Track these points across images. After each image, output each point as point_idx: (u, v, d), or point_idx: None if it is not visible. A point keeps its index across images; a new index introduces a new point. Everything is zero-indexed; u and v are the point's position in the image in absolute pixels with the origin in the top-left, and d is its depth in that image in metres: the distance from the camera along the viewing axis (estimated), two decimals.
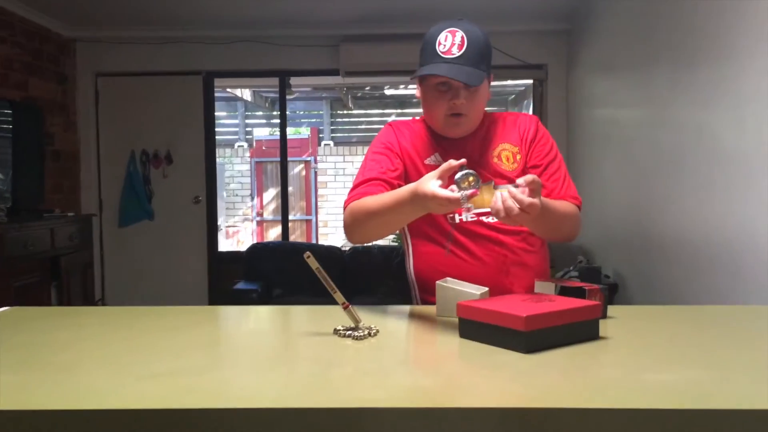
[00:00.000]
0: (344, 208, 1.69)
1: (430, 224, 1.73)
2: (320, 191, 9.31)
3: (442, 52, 1.65)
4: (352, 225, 1.65)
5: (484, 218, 1.68)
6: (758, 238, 2.49)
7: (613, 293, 3.90)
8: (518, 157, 1.74)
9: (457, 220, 1.71)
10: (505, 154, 1.74)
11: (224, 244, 8.83)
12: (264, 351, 1.25)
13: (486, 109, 1.80)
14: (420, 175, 1.58)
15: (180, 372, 1.09)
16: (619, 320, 1.46)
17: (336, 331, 1.34)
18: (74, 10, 4.79)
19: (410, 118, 1.92)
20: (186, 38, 5.24)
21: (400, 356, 1.19)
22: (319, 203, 9.30)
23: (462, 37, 1.64)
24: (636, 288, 3.77)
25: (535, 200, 1.36)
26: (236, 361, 1.17)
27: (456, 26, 1.67)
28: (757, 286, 2.52)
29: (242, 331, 1.51)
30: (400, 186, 1.62)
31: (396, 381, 1.04)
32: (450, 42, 1.65)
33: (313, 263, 1.32)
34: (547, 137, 1.77)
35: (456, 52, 1.64)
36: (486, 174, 1.67)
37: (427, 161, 1.74)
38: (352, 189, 1.71)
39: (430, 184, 1.39)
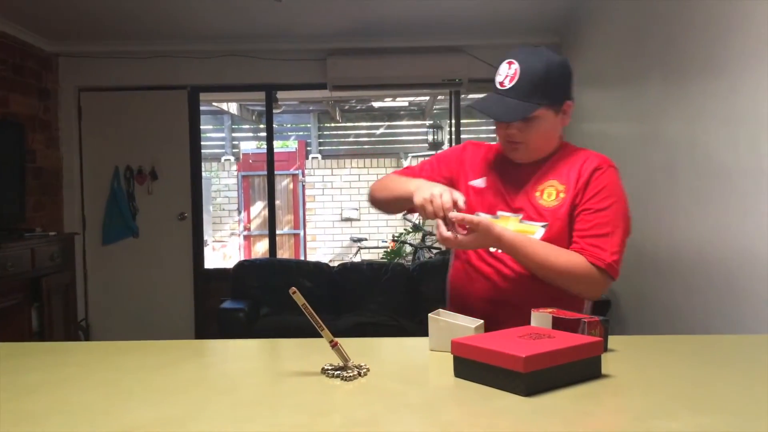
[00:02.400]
0: None
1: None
2: (308, 205, 9.23)
3: (498, 83, 1.69)
4: (373, 189, 1.93)
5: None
6: (753, 253, 2.45)
7: (606, 310, 3.85)
8: (561, 195, 1.67)
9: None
10: (549, 190, 1.70)
11: (211, 259, 8.73)
12: (247, 395, 1.17)
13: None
14: (462, 189, 1.75)
15: (156, 424, 1.01)
16: (620, 354, 1.39)
17: (324, 371, 1.27)
18: (56, 25, 4.71)
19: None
20: (170, 52, 5.16)
21: (391, 401, 1.12)
22: (307, 217, 9.21)
23: (516, 70, 1.65)
24: (629, 305, 3.71)
25: (449, 236, 1.54)
26: (217, 408, 1.09)
27: (516, 57, 1.68)
28: (752, 302, 2.47)
29: (226, 371, 1.43)
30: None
31: None
32: (505, 73, 1.68)
33: (299, 299, 1.25)
34: (598, 186, 1.66)
35: (507, 84, 1.66)
36: (522, 207, 1.69)
37: (471, 182, 1.79)
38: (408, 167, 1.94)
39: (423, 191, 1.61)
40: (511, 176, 1.75)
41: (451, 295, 1.85)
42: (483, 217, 1.61)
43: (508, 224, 1.67)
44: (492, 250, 1.68)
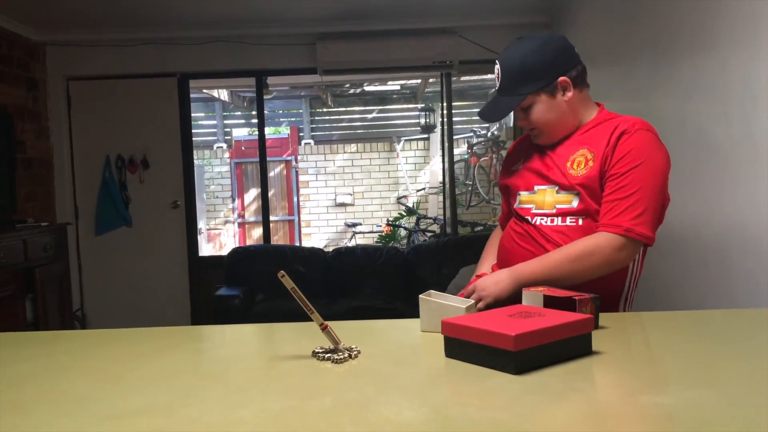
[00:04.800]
0: None
1: (516, 216, 1.85)
2: (302, 191, 9.20)
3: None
4: None
5: (544, 221, 1.76)
6: (746, 228, 2.45)
7: None
8: (590, 163, 1.70)
9: (535, 221, 1.78)
10: (579, 159, 1.73)
11: (206, 248, 8.72)
12: (237, 380, 1.17)
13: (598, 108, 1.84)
14: (510, 177, 1.90)
15: (146, 410, 1.01)
16: (611, 331, 1.39)
17: (315, 354, 1.27)
18: (43, 14, 4.66)
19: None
20: (159, 39, 5.12)
21: (382, 382, 1.12)
22: (301, 203, 9.19)
23: (498, 70, 1.77)
24: None
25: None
26: (207, 394, 1.09)
27: (499, 56, 1.78)
28: (745, 279, 2.48)
29: (215, 356, 1.43)
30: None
31: (378, 414, 0.96)
32: (494, 74, 1.80)
33: (288, 283, 1.24)
34: (624, 150, 1.66)
35: (497, 84, 1.79)
36: (556, 179, 1.74)
37: (513, 168, 1.91)
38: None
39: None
40: (547, 153, 1.81)
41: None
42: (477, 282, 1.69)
43: (546, 196, 1.76)
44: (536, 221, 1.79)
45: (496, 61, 1.77)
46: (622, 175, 1.64)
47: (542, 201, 1.76)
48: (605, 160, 1.67)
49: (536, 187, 1.79)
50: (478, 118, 1.90)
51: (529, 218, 1.77)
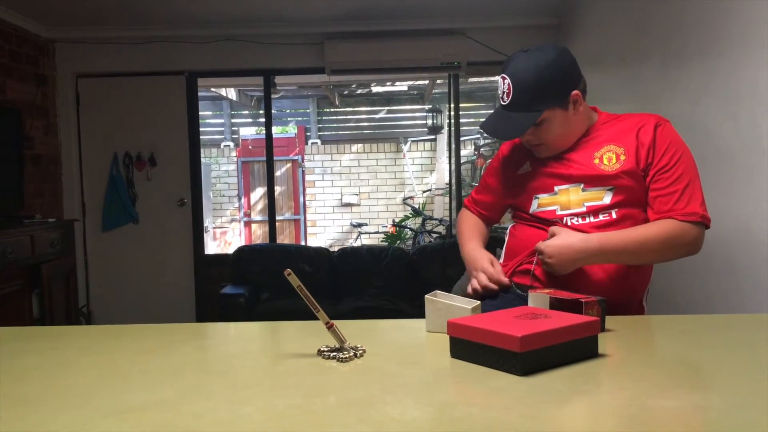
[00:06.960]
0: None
1: (530, 218, 1.80)
2: (308, 190, 9.21)
3: (500, 99, 1.74)
4: (457, 227, 2.06)
5: (576, 221, 1.71)
6: (755, 234, 2.44)
7: None
8: (622, 157, 1.70)
9: (566, 222, 1.72)
10: (608, 155, 1.72)
11: (212, 246, 8.73)
12: (242, 377, 1.17)
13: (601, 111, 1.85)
14: (514, 182, 1.85)
15: (151, 406, 1.01)
16: (617, 333, 1.39)
17: (320, 352, 1.27)
18: (53, 11, 4.68)
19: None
20: (168, 38, 5.14)
21: (387, 381, 1.12)
22: (307, 202, 9.20)
23: (509, 85, 1.70)
24: None
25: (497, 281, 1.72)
26: (212, 391, 1.09)
27: (507, 70, 1.72)
28: (753, 283, 2.46)
29: (221, 353, 1.43)
30: (490, 203, 1.99)
31: (383, 413, 0.96)
32: (501, 89, 1.73)
33: (294, 281, 1.24)
34: (664, 142, 1.69)
35: (506, 100, 1.72)
36: (583, 175, 1.72)
37: (519, 171, 1.85)
38: (472, 194, 2.05)
39: (481, 264, 1.77)
40: (562, 155, 1.77)
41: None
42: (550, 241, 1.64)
43: (570, 195, 1.71)
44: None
45: (504, 75, 1.71)
46: (674, 166, 1.66)
47: (567, 201, 1.72)
48: (647, 152, 1.67)
49: (557, 188, 1.74)
50: (484, 121, 1.87)
51: (558, 220, 1.72)
